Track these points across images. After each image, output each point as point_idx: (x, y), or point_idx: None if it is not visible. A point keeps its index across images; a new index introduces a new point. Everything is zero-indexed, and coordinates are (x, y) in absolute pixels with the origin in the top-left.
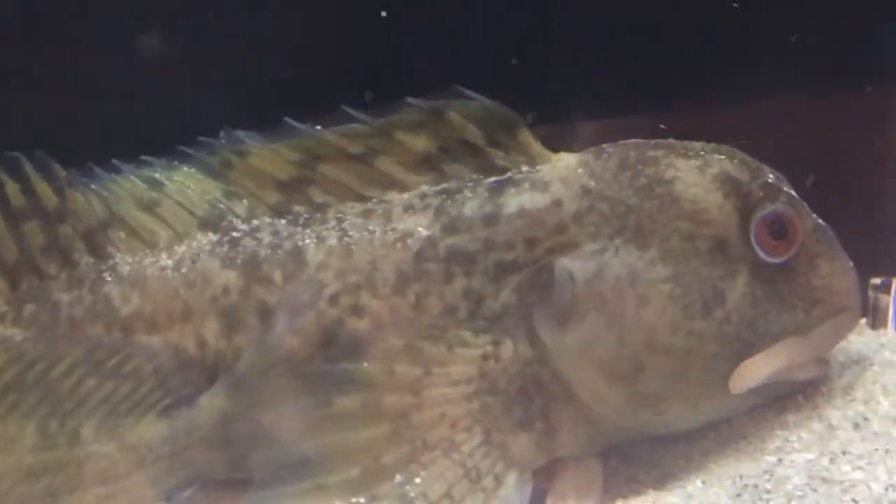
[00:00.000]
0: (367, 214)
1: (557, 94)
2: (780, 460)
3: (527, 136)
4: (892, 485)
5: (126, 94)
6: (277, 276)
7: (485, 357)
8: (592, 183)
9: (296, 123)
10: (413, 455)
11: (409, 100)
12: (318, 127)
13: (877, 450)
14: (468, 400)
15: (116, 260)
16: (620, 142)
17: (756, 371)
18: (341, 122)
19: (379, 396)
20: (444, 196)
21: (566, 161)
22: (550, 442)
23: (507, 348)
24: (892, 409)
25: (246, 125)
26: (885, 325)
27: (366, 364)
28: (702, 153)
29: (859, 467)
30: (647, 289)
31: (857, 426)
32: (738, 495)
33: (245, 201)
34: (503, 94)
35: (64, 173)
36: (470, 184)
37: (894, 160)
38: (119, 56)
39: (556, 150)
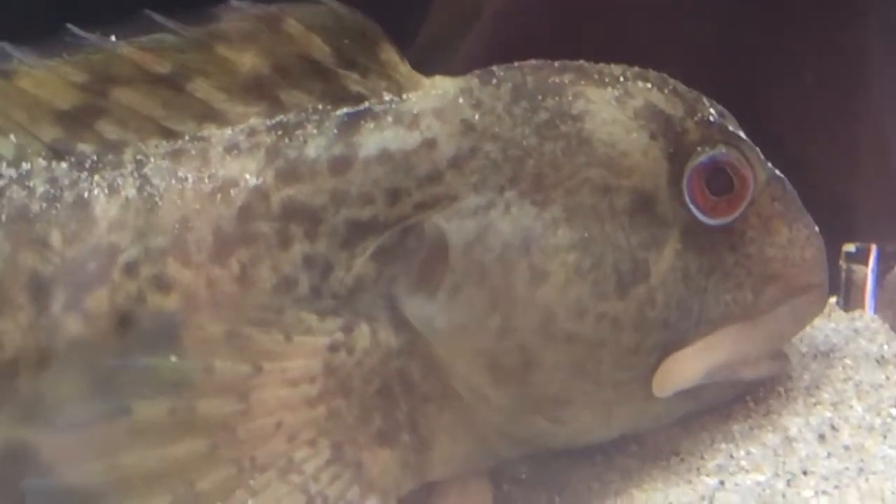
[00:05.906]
0: (176, 156)
1: None
2: (721, 483)
3: (390, 54)
4: None
5: None
6: (55, 237)
7: (333, 347)
8: (477, 117)
9: (80, 31)
10: (239, 478)
11: (233, 2)
12: (112, 37)
13: (847, 469)
14: (311, 405)
15: None
16: (516, 63)
17: (689, 368)
18: (143, 30)
19: (193, 401)
20: (279, 133)
21: (443, 87)
22: (422, 459)
23: (363, 335)
24: (867, 415)
25: (16, 34)
26: (860, 305)
27: (175, 358)
28: (622, 79)
29: (824, 491)
30: (544, 258)
31: (822, 438)
32: None
33: (12, 137)
34: None
35: None
36: (314, 117)
37: None
38: None
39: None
